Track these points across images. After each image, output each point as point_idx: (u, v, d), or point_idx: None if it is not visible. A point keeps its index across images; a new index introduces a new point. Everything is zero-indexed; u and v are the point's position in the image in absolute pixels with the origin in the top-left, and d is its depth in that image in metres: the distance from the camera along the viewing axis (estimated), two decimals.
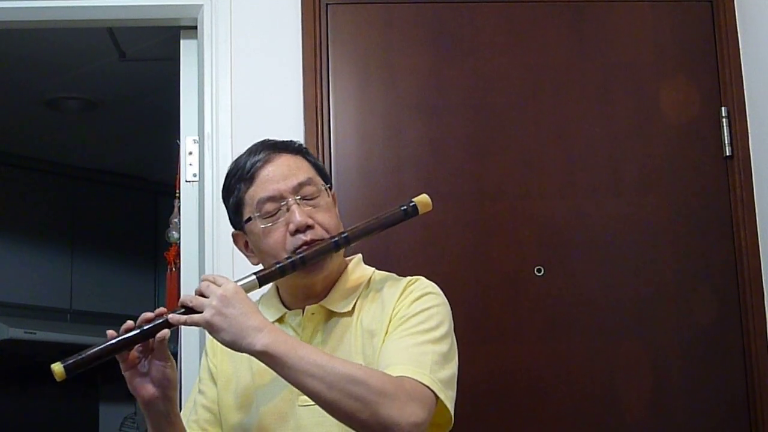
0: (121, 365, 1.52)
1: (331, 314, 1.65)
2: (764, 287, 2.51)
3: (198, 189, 2.68)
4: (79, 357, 1.46)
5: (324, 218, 1.63)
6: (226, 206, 1.71)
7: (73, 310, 5.10)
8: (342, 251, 1.66)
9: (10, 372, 5.01)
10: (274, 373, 1.49)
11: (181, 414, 1.63)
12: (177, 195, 2.85)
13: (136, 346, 1.51)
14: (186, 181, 2.73)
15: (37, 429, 5.00)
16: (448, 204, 2.51)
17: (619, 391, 2.47)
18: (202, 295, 1.50)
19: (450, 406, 1.52)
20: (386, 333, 1.57)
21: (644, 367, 2.49)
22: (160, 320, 1.50)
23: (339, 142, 2.56)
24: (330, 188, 1.70)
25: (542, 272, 2.51)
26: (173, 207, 2.94)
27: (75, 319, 5.08)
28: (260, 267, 1.66)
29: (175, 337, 2.13)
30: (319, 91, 2.56)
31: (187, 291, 2.64)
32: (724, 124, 2.60)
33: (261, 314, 1.50)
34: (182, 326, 1.53)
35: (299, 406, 1.58)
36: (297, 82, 2.58)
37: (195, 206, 2.69)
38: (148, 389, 1.52)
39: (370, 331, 1.60)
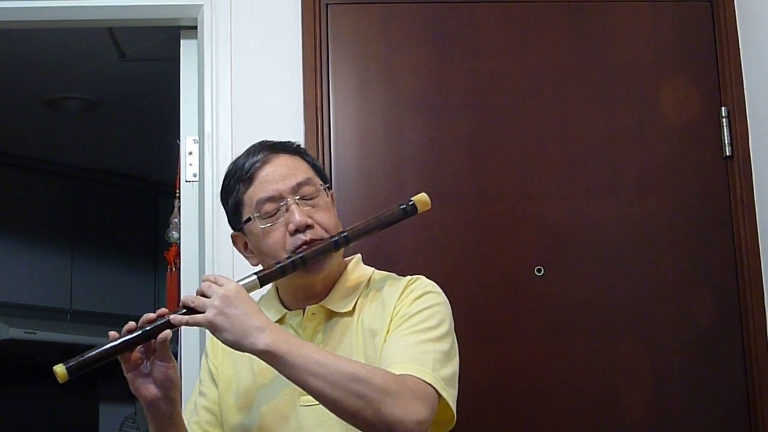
0: (123, 366, 1.52)
1: (331, 314, 1.65)
2: (764, 287, 2.51)
3: (198, 189, 2.68)
4: (81, 358, 1.46)
5: (323, 218, 1.63)
6: (224, 207, 1.71)
7: (73, 310, 5.10)
8: (341, 251, 1.66)
9: (10, 372, 5.01)
10: (276, 373, 1.49)
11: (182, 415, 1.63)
12: (177, 195, 2.85)
13: (138, 347, 1.51)
14: (186, 181, 2.73)
15: (37, 429, 5.00)
16: (448, 204, 2.51)
17: (619, 391, 2.47)
18: (203, 295, 1.50)
19: (452, 404, 1.53)
20: (387, 332, 1.58)
21: (644, 367, 2.49)
22: (162, 321, 1.50)
23: (339, 142, 2.56)
24: (329, 188, 1.70)
25: (542, 272, 2.51)
26: (173, 207, 2.94)
27: (75, 319, 5.08)
28: (260, 268, 1.66)
29: (175, 337, 2.13)
30: (319, 91, 2.56)
31: (187, 291, 2.64)
32: (724, 124, 2.60)
33: (263, 314, 1.50)
34: (183, 326, 1.53)
35: (301, 406, 1.58)
36: (297, 82, 2.58)
37: (195, 206, 2.69)
38: (150, 390, 1.52)
39: (371, 330, 1.60)
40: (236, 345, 1.46)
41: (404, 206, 1.68)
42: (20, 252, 4.95)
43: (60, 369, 1.44)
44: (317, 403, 1.47)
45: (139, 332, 1.49)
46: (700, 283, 2.54)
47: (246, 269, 1.73)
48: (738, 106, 2.60)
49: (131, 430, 5.14)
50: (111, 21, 2.91)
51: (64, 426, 5.10)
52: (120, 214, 5.32)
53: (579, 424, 2.46)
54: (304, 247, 1.60)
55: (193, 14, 2.69)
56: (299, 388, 1.47)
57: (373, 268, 1.73)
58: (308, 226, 1.61)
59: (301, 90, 2.57)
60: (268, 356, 1.45)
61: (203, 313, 1.48)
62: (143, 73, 3.97)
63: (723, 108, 2.61)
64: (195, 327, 1.53)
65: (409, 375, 1.47)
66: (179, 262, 2.77)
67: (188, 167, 2.72)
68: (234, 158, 1.73)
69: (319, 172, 1.71)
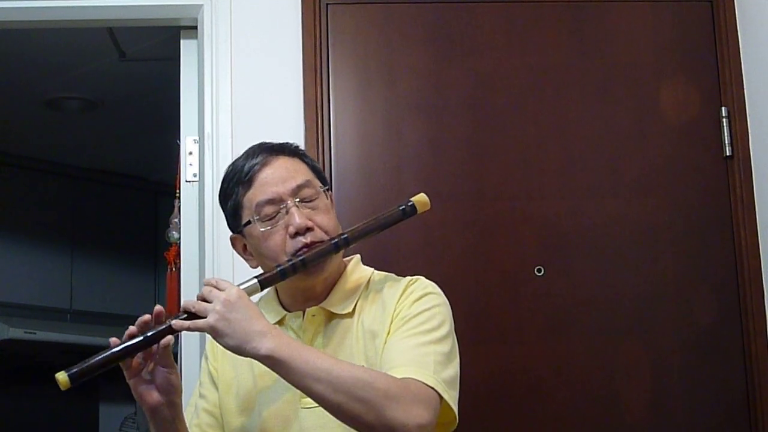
0: (125, 373, 1.51)
1: (331, 316, 1.65)
2: (764, 287, 2.51)
3: (198, 189, 2.68)
4: (84, 365, 1.45)
5: (323, 220, 1.63)
6: (223, 210, 1.70)
7: (73, 310, 5.10)
8: (341, 252, 1.66)
9: (10, 372, 5.01)
10: (277, 376, 1.48)
11: None
12: (177, 195, 2.85)
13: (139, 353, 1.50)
14: (186, 181, 2.73)
15: (37, 429, 5.00)
16: (448, 204, 2.51)
17: (619, 391, 2.47)
18: (204, 299, 1.50)
19: (454, 405, 1.53)
20: (388, 334, 1.58)
21: (644, 367, 2.49)
22: (164, 326, 1.49)
23: (339, 142, 2.56)
24: (328, 190, 1.70)
25: (542, 272, 2.51)
26: (173, 207, 2.94)
27: (75, 319, 5.08)
28: (259, 270, 1.66)
29: (175, 339, 2.12)
30: (319, 91, 2.56)
31: (187, 291, 2.65)
32: (724, 124, 2.60)
33: (265, 318, 1.50)
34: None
35: (302, 408, 1.58)
36: (297, 82, 2.58)
37: (195, 206, 2.69)
38: (153, 396, 1.52)
39: (371, 332, 1.60)
40: (238, 350, 1.46)
41: (403, 207, 1.68)
42: (20, 252, 4.95)
43: (62, 376, 1.43)
44: (318, 405, 1.47)
45: (141, 338, 1.48)
46: (700, 283, 2.54)
47: (246, 268, 1.73)
48: (738, 106, 2.60)
49: (131, 430, 5.14)
50: (111, 21, 2.91)
51: (64, 426, 5.10)
52: (120, 214, 5.32)
53: (579, 424, 2.46)
54: (305, 249, 1.59)
55: (193, 14, 2.69)
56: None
57: (372, 269, 1.73)
58: (308, 229, 1.60)
59: (301, 90, 2.57)
60: (270, 361, 1.44)
61: (205, 318, 1.47)
62: (143, 73, 3.97)
63: (723, 108, 2.61)
64: (198, 332, 1.53)
65: (411, 378, 1.47)
66: (179, 262, 2.77)
67: (188, 167, 2.72)
68: (233, 159, 1.72)
69: (319, 173, 1.70)
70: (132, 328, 1.49)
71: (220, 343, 1.48)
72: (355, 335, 1.62)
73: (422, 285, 1.65)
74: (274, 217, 1.62)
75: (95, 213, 5.26)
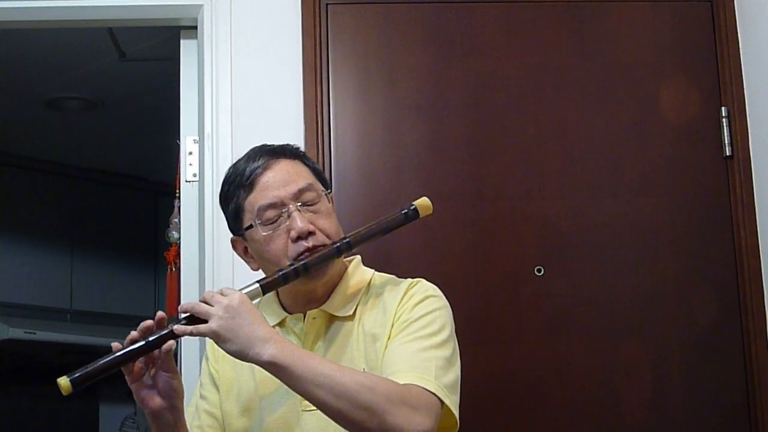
0: (127, 378, 1.51)
1: (332, 319, 1.65)
2: (764, 287, 2.51)
3: (198, 189, 2.68)
4: (86, 370, 1.45)
5: (325, 224, 1.63)
6: (224, 212, 1.70)
7: (73, 310, 5.10)
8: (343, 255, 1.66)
9: (10, 372, 5.01)
10: (278, 381, 1.48)
11: None
12: (177, 195, 2.85)
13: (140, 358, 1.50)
14: (186, 181, 2.73)
15: (37, 429, 5.00)
16: (448, 204, 2.51)
17: (619, 391, 2.47)
18: (207, 304, 1.49)
19: (455, 410, 1.53)
20: (389, 337, 1.58)
21: (644, 367, 2.49)
22: (166, 331, 1.49)
23: (339, 142, 2.56)
24: (330, 193, 1.69)
25: (542, 272, 2.51)
26: (173, 207, 2.94)
27: (75, 319, 5.08)
28: (260, 272, 1.66)
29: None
30: (319, 91, 2.56)
31: (187, 291, 2.65)
32: (724, 124, 2.60)
33: (267, 324, 1.49)
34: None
35: (303, 411, 1.58)
36: (297, 82, 2.58)
37: (195, 206, 2.69)
38: (155, 401, 1.52)
39: (372, 335, 1.60)
40: (240, 355, 1.46)
41: (406, 211, 1.68)
42: (20, 252, 4.95)
43: (64, 381, 1.43)
44: None
45: (143, 343, 1.48)
46: (700, 283, 2.54)
47: (245, 270, 1.73)
48: (738, 106, 2.60)
49: (131, 430, 5.14)
50: (111, 21, 2.91)
51: (64, 426, 5.10)
52: (120, 214, 5.32)
53: (579, 424, 2.46)
54: (307, 253, 1.59)
55: (193, 14, 2.69)
56: None
57: (373, 271, 1.73)
58: (310, 233, 1.60)
59: (301, 90, 2.57)
60: (273, 367, 1.44)
61: (207, 322, 1.47)
62: (143, 73, 3.97)
63: (723, 108, 2.61)
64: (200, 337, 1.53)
65: (413, 384, 1.47)
66: (179, 262, 2.77)
67: (188, 167, 2.72)
68: (233, 159, 1.72)
69: (320, 176, 1.70)
70: (134, 333, 1.49)
71: (223, 348, 1.48)
72: (356, 338, 1.62)
73: (423, 288, 1.64)
74: (276, 221, 1.61)
75: (95, 213, 5.26)
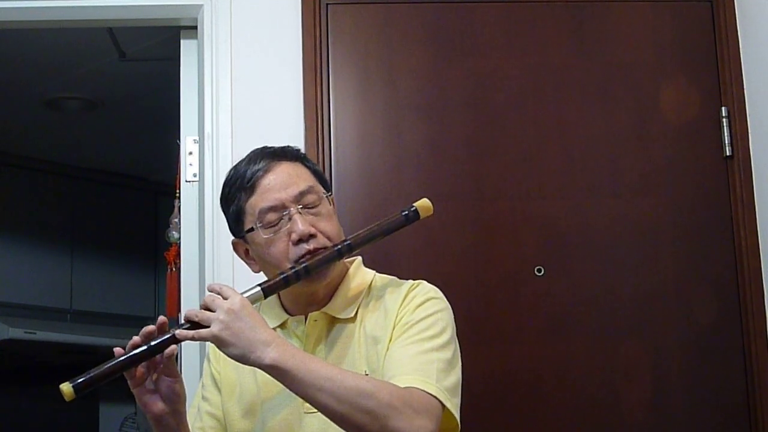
0: (129, 382, 1.51)
1: (334, 321, 1.65)
2: (764, 287, 2.51)
3: (198, 189, 2.68)
4: (88, 376, 1.45)
5: (326, 226, 1.62)
6: (225, 214, 1.70)
7: (73, 310, 5.10)
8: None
9: (10, 372, 5.01)
10: (280, 384, 1.48)
11: None
12: (177, 195, 2.85)
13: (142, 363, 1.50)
14: (186, 181, 2.73)
15: (37, 429, 5.00)
16: (448, 204, 2.51)
17: (619, 391, 2.47)
18: (208, 308, 1.49)
19: (456, 413, 1.53)
20: (390, 340, 1.58)
21: (644, 367, 2.49)
22: (167, 336, 1.48)
23: (339, 142, 2.56)
24: (330, 195, 1.69)
25: (542, 272, 2.51)
26: (173, 207, 2.94)
27: (75, 319, 5.08)
28: (261, 274, 1.66)
29: None
30: (319, 91, 2.56)
31: (187, 291, 2.65)
32: (724, 124, 2.60)
33: (269, 327, 1.49)
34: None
35: (305, 413, 1.58)
36: (297, 82, 2.58)
37: (195, 206, 2.69)
38: (158, 405, 1.52)
39: (373, 337, 1.60)
40: (242, 359, 1.46)
41: (406, 212, 1.68)
42: (20, 252, 4.95)
43: (66, 388, 1.43)
44: None
45: (145, 348, 1.48)
46: (700, 283, 2.54)
47: (245, 271, 1.73)
48: (738, 106, 2.60)
49: (131, 430, 5.14)
50: (111, 21, 2.91)
51: (64, 426, 5.10)
52: (120, 214, 5.32)
53: (579, 424, 2.46)
54: (308, 256, 1.59)
55: (193, 14, 2.69)
56: None
57: (374, 272, 1.73)
58: (311, 236, 1.60)
59: (301, 90, 2.57)
60: (275, 371, 1.44)
61: (208, 327, 1.47)
62: (143, 73, 3.97)
63: (723, 108, 2.61)
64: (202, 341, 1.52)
65: (414, 387, 1.47)
66: (179, 262, 2.77)
67: (188, 167, 2.72)
68: (233, 159, 1.72)
69: (321, 178, 1.69)
70: (136, 338, 1.49)
71: (224, 353, 1.48)
72: (358, 341, 1.62)
73: (424, 290, 1.64)
74: (277, 223, 1.61)
75: (95, 213, 5.26)
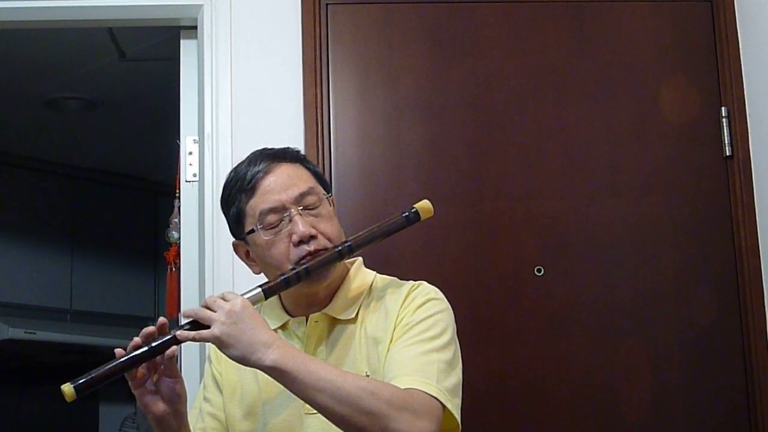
0: (130, 383, 1.51)
1: (334, 322, 1.65)
2: (764, 287, 2.51)
3: (198, 189, 2.68)
4: (89, 377, 1.45)
5: (326, 228, 1.62)
6: (225, 216, 1.70)
7: (73, 310, 5.10)
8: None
9: (10, 372, 5.01)
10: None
11: None
12: (177, 195, 2.85)
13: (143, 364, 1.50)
14: (186, 181, 2.73)
15: (37, 429, 5.00)
16: (448, 204, 2.51)
17: (619, 391, 2.47)
18: (209, 309, 1.49)
19: (457, 414, 1.53)
20: (391, 341, 1.58)
21: (644, 367, 2.49)
22: (168, 337, 1.49)
23: (339, 142, 2.56)
24: (331, 196, 1.69)
25: (542, 272, 2.51)
26: (173, 207, 2.94)
27: (75, 319, 5.08)
28: (262, 275, 1.66)
29: None
30: (319, 91, 2.56)
31: (187, 291, 2.65)
32: (724, 124, 2.60)
33: (270, 329, 1.49)
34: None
35: (306, 414, 1.58)
36: (297, 82, 2.58)
37: (195, 206, 2.69)
38: (159, 406, 1.52)
39: (374, 338, 1.60)
40: (243, 360, 1.46)
41: (407, 214, 1.68)
42: (20, 252, 4.95)
43: (68, 388, 1.43)
44: None
45: (146, 349, 1.48)
46: (700, 283, 2.54)
47: (245, 271, 1.73)
48: (738, 106, 2.60)
49: (131, 430, 5.14)
50: (111, 21, 2.91)
51: (64, 426, 5.10)
52: (120, 214, 5.32)
53: (579, 424, 2.46)
54: (308, 258, 1.59)
55: (193, 14, 2.69)
56: None
57: (374, 273, 1.73)
58: (312, 237, 1.60)
59: (301, 90, 2.57)
60: (275, 372, 1.44)
61: (209, 328, 1.47)
62: (143, 73, 3.97)
63: (723, 108, 2.61)
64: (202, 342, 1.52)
65: (415, 389, 1.47)
66: (179, 262, 2.77)
67: (188, 167, 2.72)
68: (233, 159, 1.72)
69: (321, 179, 1.70)
70: (136, 339, 1.49)
71: (225, 354, 1.48)
72: (359, 342, 1.62)
73: (425, 291, 1.64)
74: (278, 225, 1.61)
75: (95, 213, 5.26)
